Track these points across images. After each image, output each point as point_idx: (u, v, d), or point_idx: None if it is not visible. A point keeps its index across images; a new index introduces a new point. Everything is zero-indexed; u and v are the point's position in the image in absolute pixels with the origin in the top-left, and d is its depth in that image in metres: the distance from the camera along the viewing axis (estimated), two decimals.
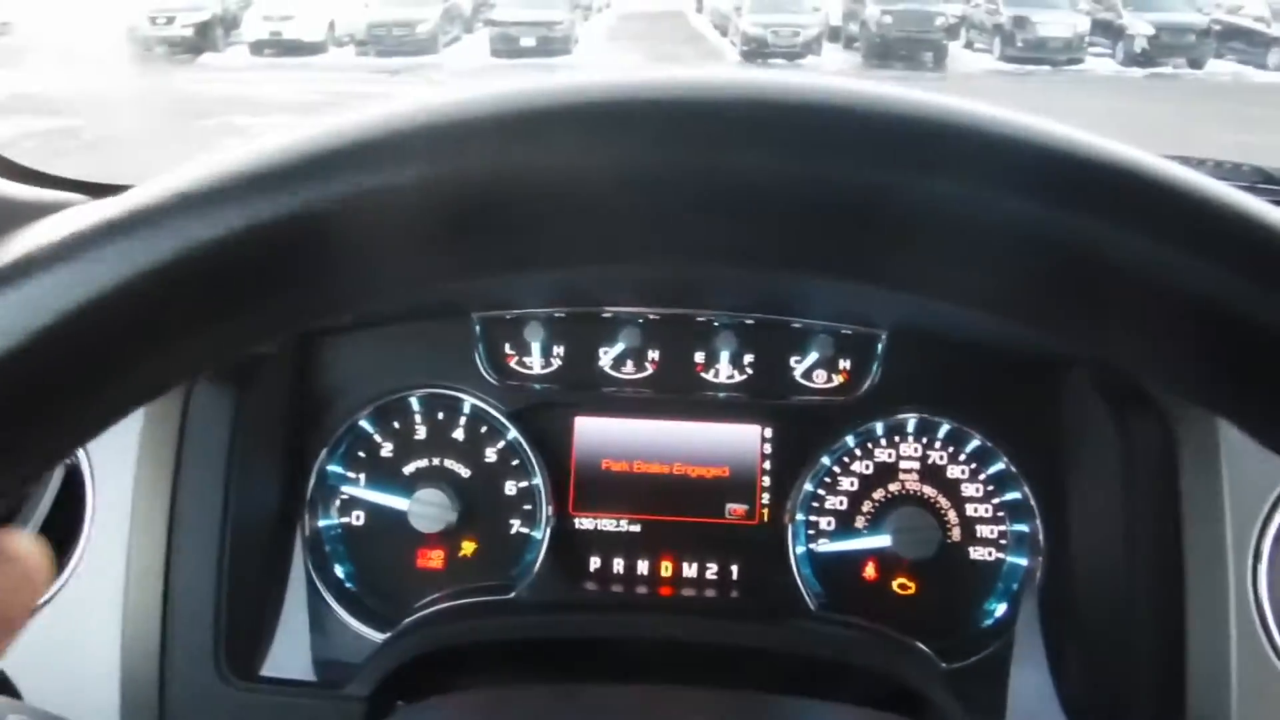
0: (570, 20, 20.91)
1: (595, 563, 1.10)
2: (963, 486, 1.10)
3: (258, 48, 20.62)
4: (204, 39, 20.74)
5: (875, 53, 20.83)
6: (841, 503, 1.10)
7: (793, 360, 1.13)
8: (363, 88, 16.25)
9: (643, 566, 1.10)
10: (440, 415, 1.13)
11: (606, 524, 1.10)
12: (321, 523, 1.12)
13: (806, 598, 1.09)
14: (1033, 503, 1.07)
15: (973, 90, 18.45)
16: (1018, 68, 20.27)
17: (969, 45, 22.24)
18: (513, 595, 1.08)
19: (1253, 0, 23.39)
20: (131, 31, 19.80)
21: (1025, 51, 20.46)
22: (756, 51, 20.55)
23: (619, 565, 1.10)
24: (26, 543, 0.35)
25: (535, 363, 1.12)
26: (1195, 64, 21.04)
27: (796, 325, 1.11)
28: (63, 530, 0.98)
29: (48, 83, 12.56)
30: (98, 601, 0.96)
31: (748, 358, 1.13)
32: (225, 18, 21.30)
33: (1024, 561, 1.08)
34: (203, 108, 13.80)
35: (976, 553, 1.09)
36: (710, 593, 1.11)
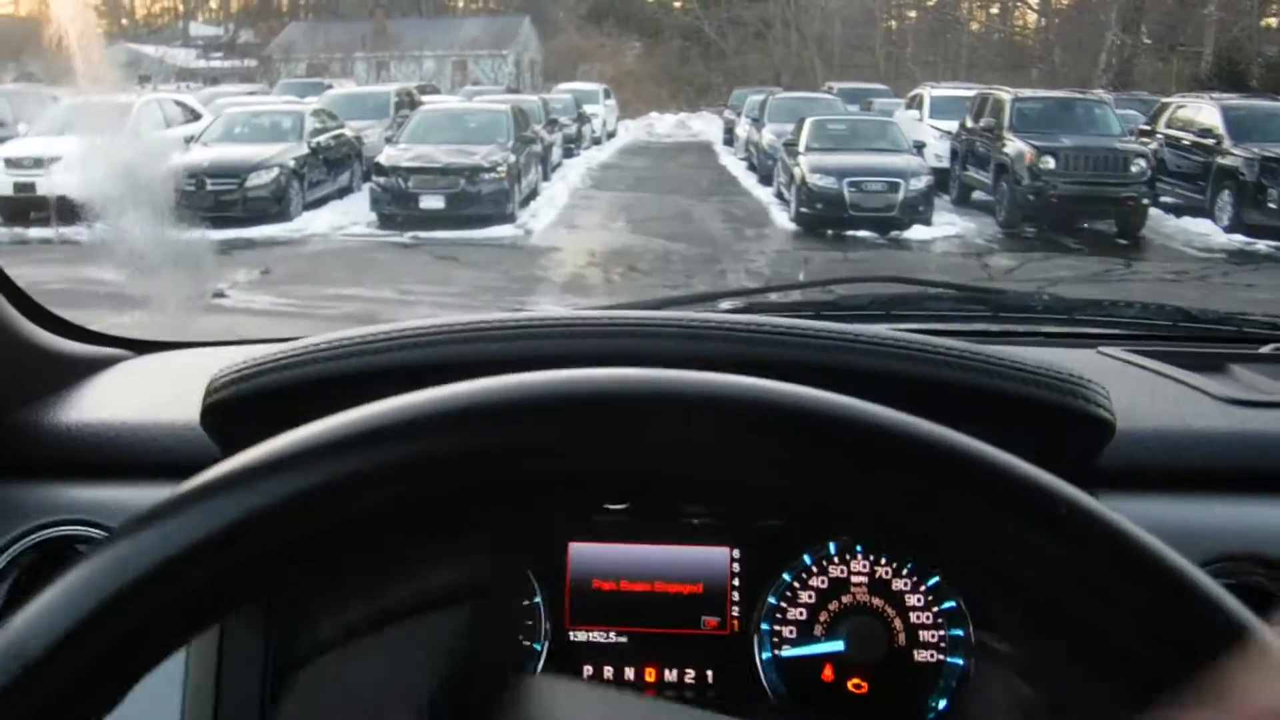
0: (511, 165, 12.51)
1: (589, 670, 1.22)
2: (906, 597, 1.21)
3: (6, 209, 12.53)
4: None
5: (1024, 216, 12.36)
6: (801, 613, 1.21)
7: None
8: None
9: (629, 673, 1.22)
10: None
11: (598, 636, 1.22)
12: None
13: (772, 698, 1.19)
14: (965, 610, 1.18)
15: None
16: (1276, 246, 11.71)
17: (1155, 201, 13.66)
18: None
19: None
20: None
21: None
22: (825, 216, 12.16)
23: (609, 672, 1.22)
24: None
25: None
26: None
27: None
28: None
29: None
30: None
31: None
32: None
33: (960, 662, 1.19)
34: None
35: (920, 655, 1.20)
36: (689, 695, 1.24)
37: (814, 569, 1.21)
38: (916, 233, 12.15)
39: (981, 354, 0.76)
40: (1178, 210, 13.17)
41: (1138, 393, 1.14)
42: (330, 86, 25.58)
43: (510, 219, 12.30)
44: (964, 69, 33.33)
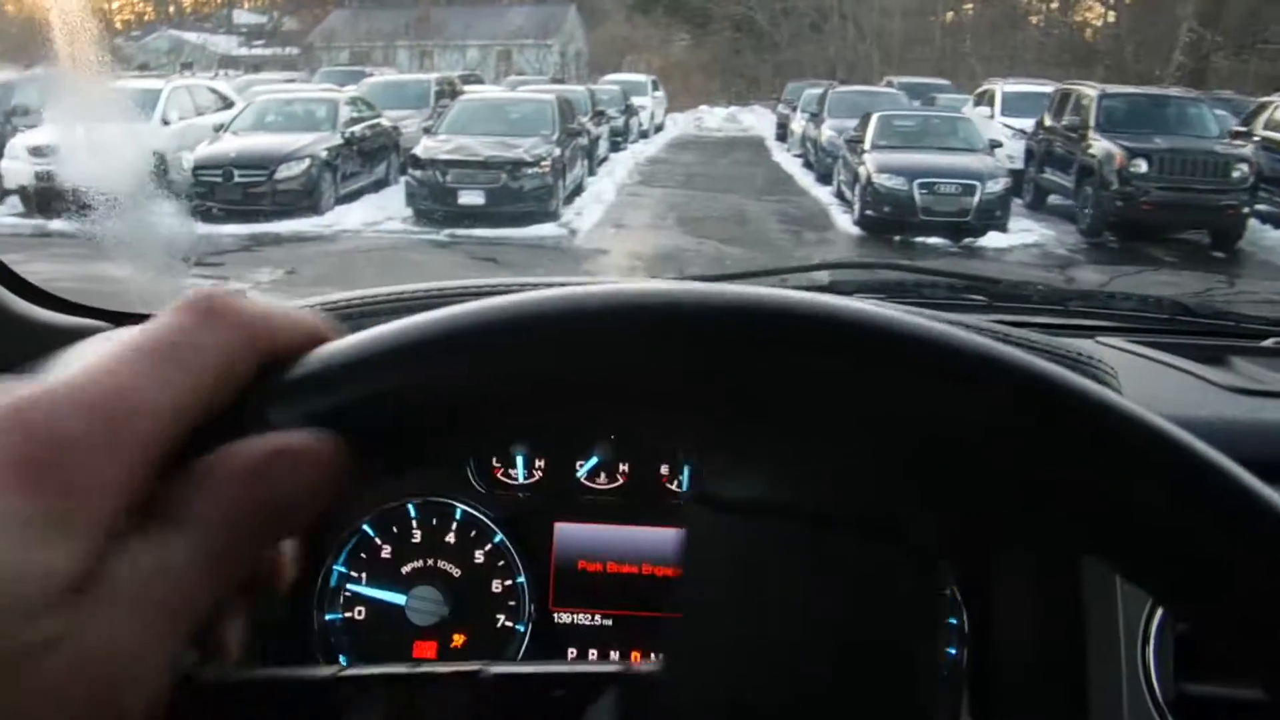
0: (555, 159, 11.69)
1: (572, 653, 1.20)
2: None
3: (29, 199, 11.91)
4: None
5: (1109, 224, 11.39)
6: None
7: None
8: None
9: (614, 656, 1.20)
10: (434, 521, 1.22)
11: (582, 618, 1.20)
12: (328, 617, 1.21)
13: None
14: (959, 599, 1.09)
15: None
16: None
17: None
18: None
19: None
20: None
21: None
22: (893, 220, 11.28)
23: (593, 655, 1.20)
24: (313, 436, 0.35)
25: (519, 474, 1.22)
26: None
27: None
28: None
29: None
30: None
31: None
32: None
33: (953, 651, 1.13)
34: None
35: None
36: None
37: None
38: (991, 240, 11.23)
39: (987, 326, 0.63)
40: (1277, 221, 12.14)
41: (1141, 381, 1.10)
42: (371, 75, 25.01)
43: (554, 217, 11.50)
44: (1029, 64, 32.18)
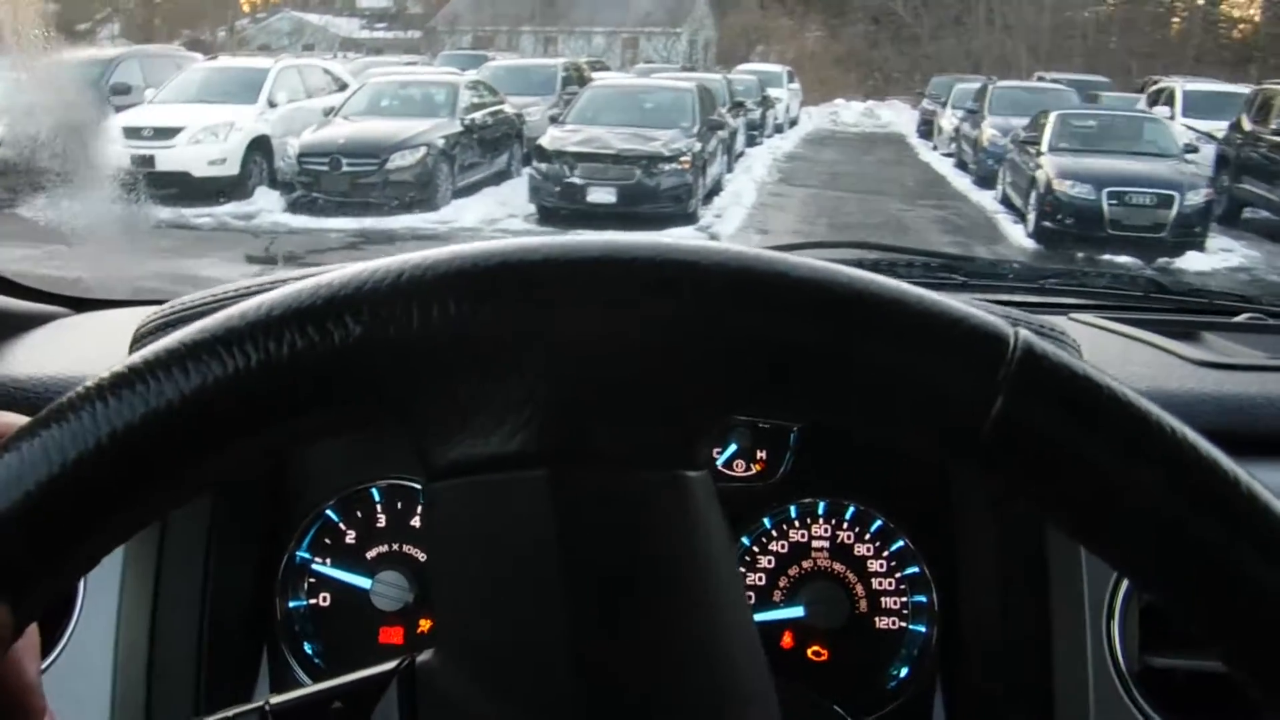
0: (696, 154, 10.56)
1: None
2: (868, 563, 1.20)
3: (126, 183, 11.18)
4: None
5: None
6: (760, 579, 1.19)
7: (715, 451, 1.21)
8: None
9: None
10: (399, 504, 1.21)
11: None
12: (291, 604, 1.20)
13: None
14: (929, 576, 1.18)
15: None
16: None
17: None
18: None
19: None
20: None
21: None
22: (1075, 233, 9.94)
23: None
24: None
25: None
26: None
27: None
28: (57, 608, 1.05)
29: None
30: (88, 671, 1.04)
31: None
32: None
33: (923, 629, 1.18)
34: None
35: (881, 622, 1.19)
36: None
37: (773, 533, 1.19)
38: (1189, 261, 9.80)
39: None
40: None
41: (1109, 356, 1.12)
42: (494, 59, 24.19)
43: (692, 219, 10.40)
44: (1187, 62, 30.04)
